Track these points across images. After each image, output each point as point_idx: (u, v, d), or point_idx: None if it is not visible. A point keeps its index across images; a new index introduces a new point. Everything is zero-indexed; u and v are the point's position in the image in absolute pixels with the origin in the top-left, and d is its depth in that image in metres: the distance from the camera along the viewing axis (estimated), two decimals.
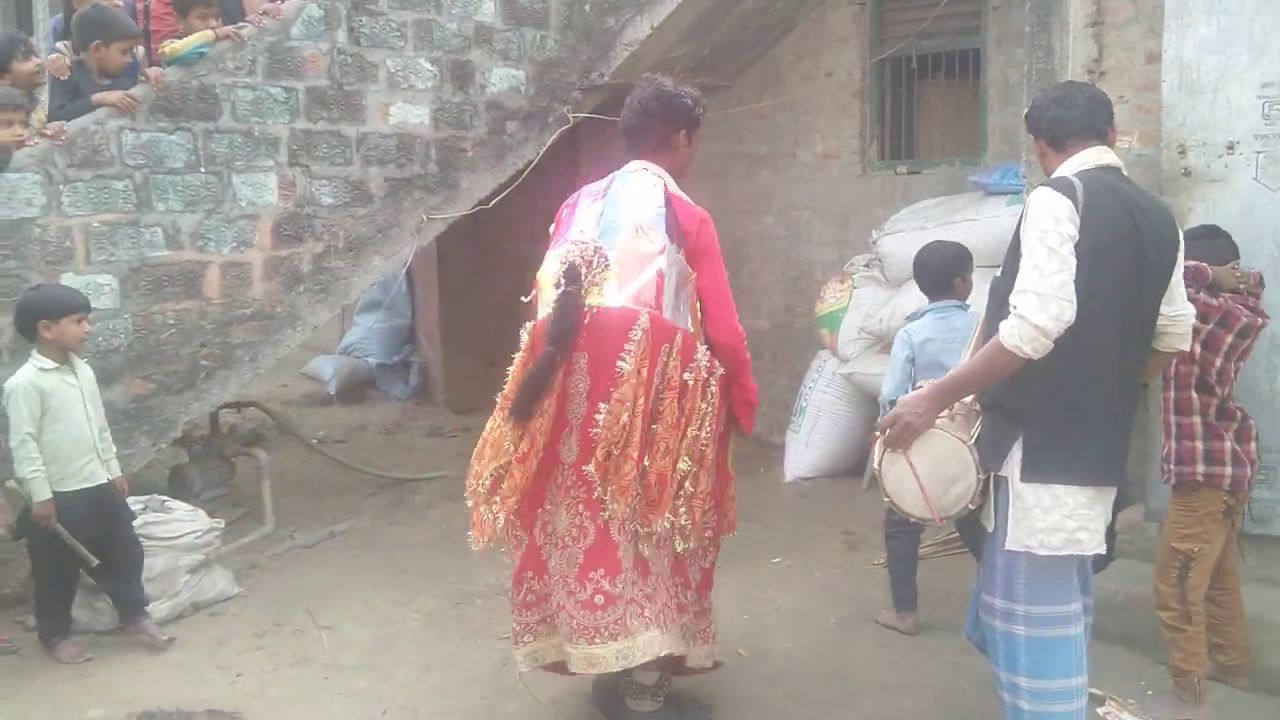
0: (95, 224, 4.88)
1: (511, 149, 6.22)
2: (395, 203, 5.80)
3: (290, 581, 5.01)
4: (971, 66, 6.51)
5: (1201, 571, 3.43)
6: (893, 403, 3.14)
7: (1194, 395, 3.43)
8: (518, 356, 3.22)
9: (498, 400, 3.23)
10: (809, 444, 6.49)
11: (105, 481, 4.29)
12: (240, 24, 5.32)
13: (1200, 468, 3.42)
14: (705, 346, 3.24)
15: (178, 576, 4.60)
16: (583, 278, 3.10)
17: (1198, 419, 3.43)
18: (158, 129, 5.03)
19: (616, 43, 6.48)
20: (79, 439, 4.20)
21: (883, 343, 5.97)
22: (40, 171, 4.73)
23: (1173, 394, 3.47)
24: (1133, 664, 3.81)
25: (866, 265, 6.40)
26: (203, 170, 5.16)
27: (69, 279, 4.74)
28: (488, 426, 3.28)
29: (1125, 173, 2.91)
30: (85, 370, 4.34)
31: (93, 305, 4.53)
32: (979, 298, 3.44)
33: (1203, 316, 3.28)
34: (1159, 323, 2.89)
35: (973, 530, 3.00)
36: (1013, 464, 2.78)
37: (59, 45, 5.31)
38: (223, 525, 4.95)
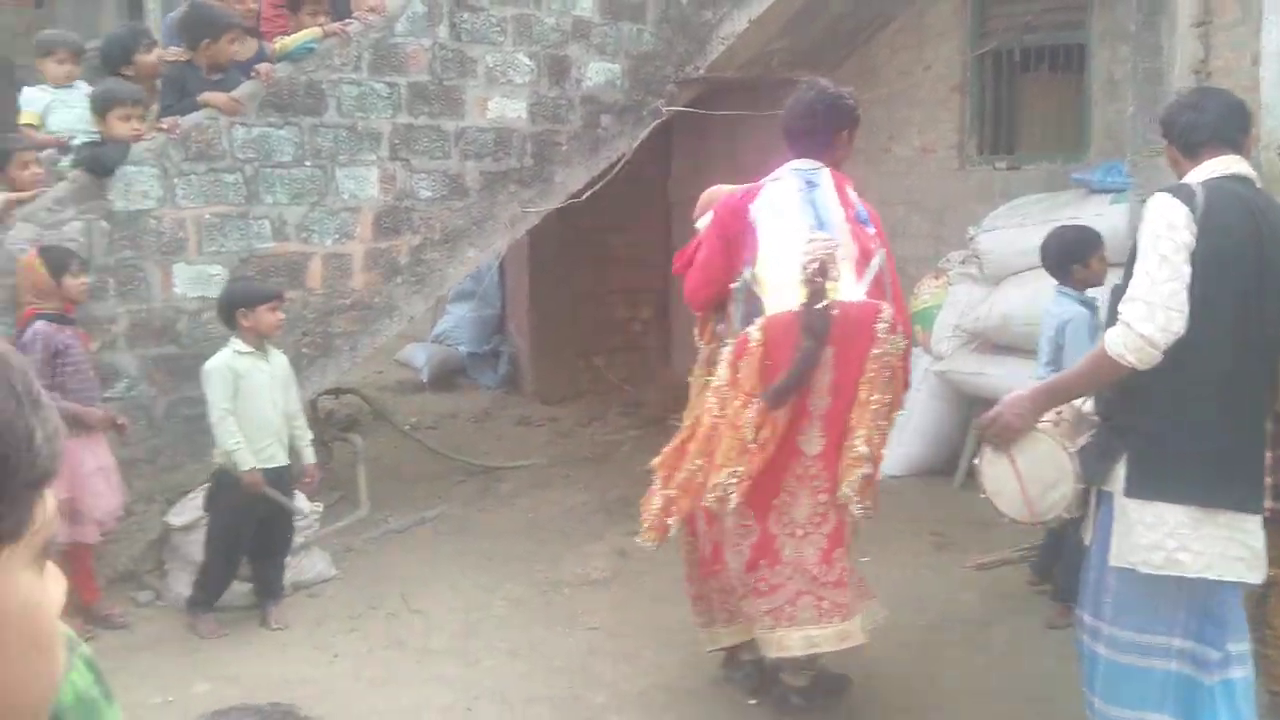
0: (207, 216, 5.04)
1: (605, 142, 6.25)
2: (490, 196, 5.87)
3: (383, 565, 5.14)
4: (1075, 61, 6.35)
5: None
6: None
7: None
8: (753, 348, 3.23)
9: (719, 393, 3.29)
10: (899, 441, 6.36)
11: (283, 465, 4.47)
12: (347, 20, 5.43)
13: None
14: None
15: None
16: (830, 273, 3.22)
17: None
18: (267, 124, 5.17)
19: (713, 36, 6.46)
20: (262, 423, 4.38)
21: (978, 341, 5.87)
22: (157, 165, 4.90)
23: None
24: None
25: (963, 262, 6.29)
26: (308, 164, 5.30)
27: (180, 269, 4.93)
28: (705, 422, 3.32)
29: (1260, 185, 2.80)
30: (279, 357, 4.54)
31: (204, 296, 4.71)
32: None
33: None
34: None
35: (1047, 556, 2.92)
36: (1117, 479, 2.71)
37: (172, 48, 5.41)
38: (321, 509, 5.11)
